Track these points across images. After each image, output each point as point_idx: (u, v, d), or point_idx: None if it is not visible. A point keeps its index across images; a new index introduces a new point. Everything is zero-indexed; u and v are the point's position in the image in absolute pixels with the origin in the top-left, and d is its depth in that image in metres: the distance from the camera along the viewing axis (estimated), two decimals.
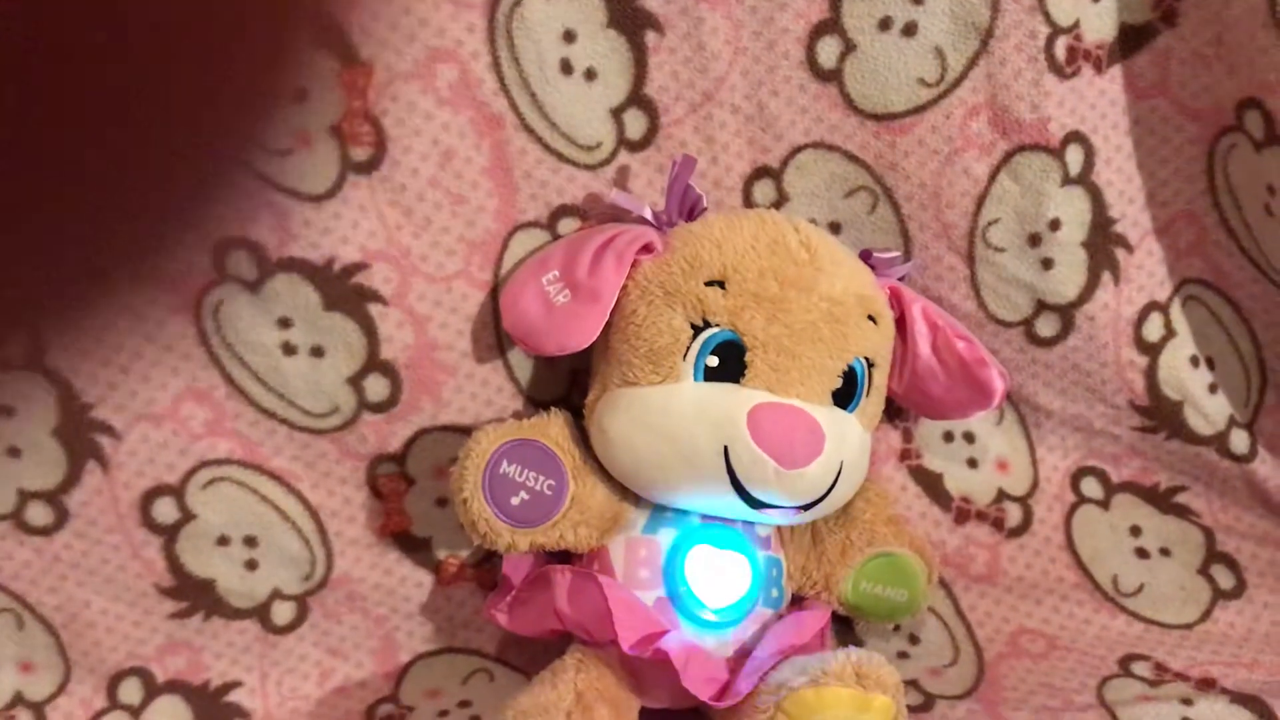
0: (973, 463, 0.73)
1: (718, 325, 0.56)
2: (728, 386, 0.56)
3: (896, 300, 0.63)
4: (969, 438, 0.73)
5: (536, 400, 0.66)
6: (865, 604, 0.65)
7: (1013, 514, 0.73)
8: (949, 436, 0.73)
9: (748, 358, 0.56)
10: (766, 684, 0.53)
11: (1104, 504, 0.73)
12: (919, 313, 0.63)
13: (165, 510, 0.62)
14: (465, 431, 0.62)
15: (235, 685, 0.65)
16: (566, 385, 0.67)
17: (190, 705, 0.64)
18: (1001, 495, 0.73)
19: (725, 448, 0.55)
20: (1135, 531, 0.73)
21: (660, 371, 0.57)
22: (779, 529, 0.63)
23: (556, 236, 0.64)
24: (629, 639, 0.55)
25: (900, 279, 0.65)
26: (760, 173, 0.66)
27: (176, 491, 0.62)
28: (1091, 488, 0.74)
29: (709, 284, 0.57)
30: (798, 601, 0.65)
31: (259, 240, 0.58)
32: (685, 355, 0.57)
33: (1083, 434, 0.73)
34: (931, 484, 0.73)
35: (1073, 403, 0.71)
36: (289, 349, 0.61)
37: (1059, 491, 0.73)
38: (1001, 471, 0.73)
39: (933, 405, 0.66)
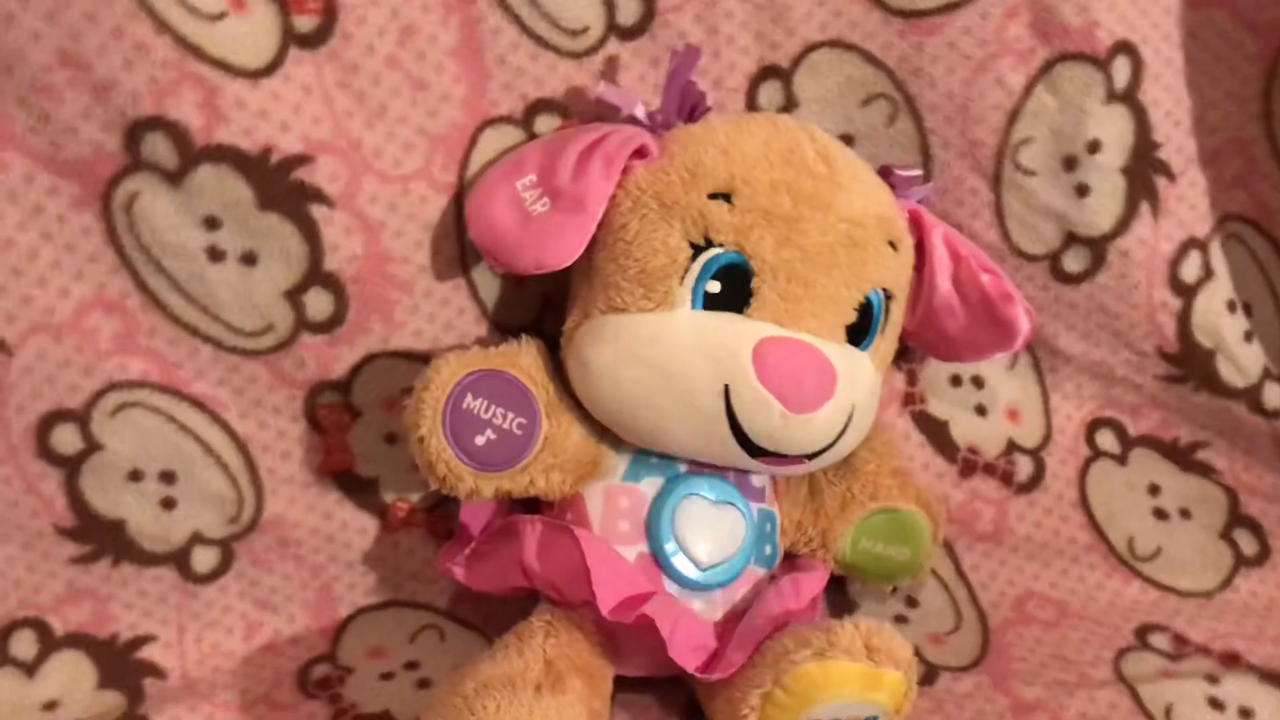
0: (981, 410, 0.70)
1: (721, 245, 0.52)
2: (730, 316, 0.52)
3: (915, 225, 0.59)
4: (978, 382, 0.70)
5: (503, 326, 0.62)
6: (864, 563, 0.62)
7: (1023, 467, 0.70)
8: (956, 380, 0.70)
9: (754, 284, 0.52)
10: (763, 655, 0.50)
11: (1121, 459, 0.71)
12: (940, 240, 0.59)
13: (66, 439, 0.57)
14: (420, 359, 0.59)
15: (148, 639, 0.61)
16: (538, 310, 0.63)
17: (95, 661, 0.59)
18: (1012, 446, 0.70)
19: (725, 386, 0.51)
20: (1154, 490, 0.71)
21: (653, 297, 0.53)
22: (774, 480, 0.60)
23: (533, 135, 0.60)
24: (610, 602, 0.52)
25: (919, 201, 0.61)
26: (767, 72, 0.62)
27: (80, 417, 0.57)
28: (1108, 440, 0.71)
29: (713, 197, 0.53)
30: (789, 559, 0.62)
31: (181, 121, 0.53)
32: (683, 279, 0.52)
33: (1101, 381, 0.70)
34: (936, 432, 0.70)
35: (1095, 347, 0.68)
36: (216, 254, 0.56)
37: (1073, 444, 0.71)
38: (1011, 421, 0.71)
39: (947, 345, 0.62)
